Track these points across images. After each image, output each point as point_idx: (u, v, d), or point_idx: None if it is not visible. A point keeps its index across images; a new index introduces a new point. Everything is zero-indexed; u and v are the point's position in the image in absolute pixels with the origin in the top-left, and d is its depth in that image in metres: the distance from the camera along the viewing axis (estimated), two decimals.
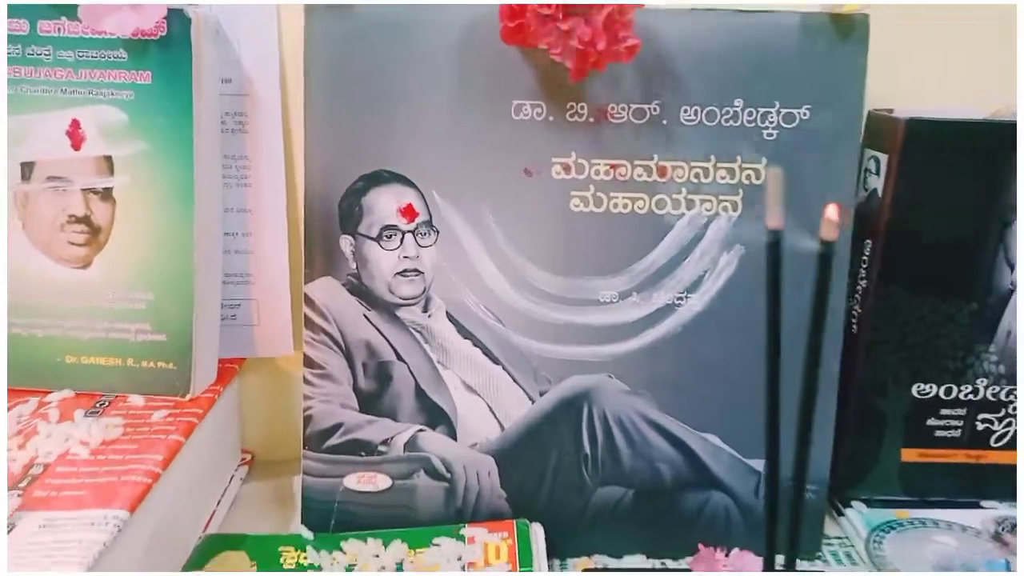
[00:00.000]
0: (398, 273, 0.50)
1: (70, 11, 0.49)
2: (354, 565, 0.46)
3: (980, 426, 0.55)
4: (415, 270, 0.50)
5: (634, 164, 0.49)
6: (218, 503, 0.55)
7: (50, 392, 0.51)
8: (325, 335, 0.50)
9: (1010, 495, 0.56)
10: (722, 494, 0.51)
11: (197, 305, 0.51)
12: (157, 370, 0.51)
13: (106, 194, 0.50)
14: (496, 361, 0.50)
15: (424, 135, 0.48)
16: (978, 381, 0.54)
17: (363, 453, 0.50)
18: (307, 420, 0.50)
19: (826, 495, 0.52)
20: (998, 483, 0.56)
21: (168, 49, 0.49)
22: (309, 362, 0.50)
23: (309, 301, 0.50)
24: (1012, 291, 0.52)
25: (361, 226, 0.49)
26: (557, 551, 0.50)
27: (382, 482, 0.51)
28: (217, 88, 0.52)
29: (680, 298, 0.50)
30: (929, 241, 0.52)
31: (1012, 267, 0.52)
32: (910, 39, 0.55)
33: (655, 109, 0.48)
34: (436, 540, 0.48)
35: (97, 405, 0.50)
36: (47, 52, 0.49)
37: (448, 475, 0.51)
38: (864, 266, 0.53)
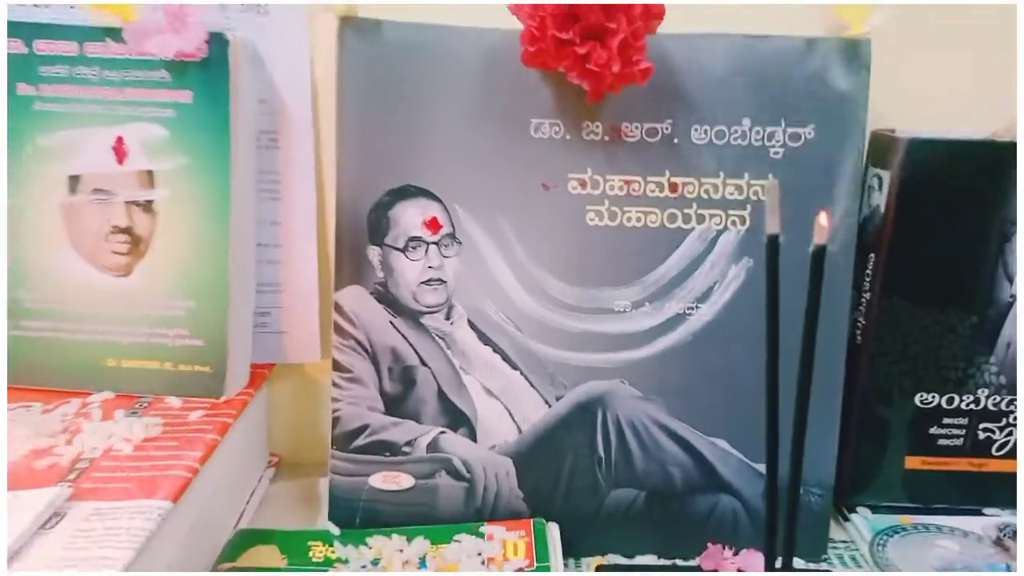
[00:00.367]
0: (422, 282, 0.52)
1: (116, 34, 0.52)
2: (379, 559, 0.49)
3: (982, 435, 0.57)
4: (439, 280, 0.52)
5: (647, 180, 0.51)
6: (247, 502, 0.57)
7: (91, 394, 0.54)
8: (353, 340, 0.52)
9: (1012, 503, 0.58)
10: (730, 497, 0.53)
11: (232, 312, 0.53)
12: (194, 373, 0.54)
13: (148, 206, 0.53)
14: (515, 367, 0.53)
15: (448, 152, 0.51)
16: (979, 391, 0.56)
17: (388, 453, 0.53)
18: (335, 421, 0.53)
19: (831, 500, 0.54)
20: (1000, 491, 0.58)
21: (208, 70, 0.52)
22: (338, 366, 0.53)
23: (339, 308, 0.53)
24: (1011, 304, 0.54)
25: (388, 237, 0.52)
26: (572, 550, 0.52)
27: (405, 481, 0.53)
28: (253, 107, 0.55)
29: (691, 308, 0.52)
30: (930, 255, 0.54)
31: (1011, 280, 0.54)
32: (915, 63, 0.58)
33: (667, 128, 0.51)
34: (457, 537, 0.51)
35: (136, 406, 0.53)
36: (94, 72, 0.53)
37: (468, 475, 0.53)
38: (868, 279, 0.55)
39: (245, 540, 0.51)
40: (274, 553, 0.50)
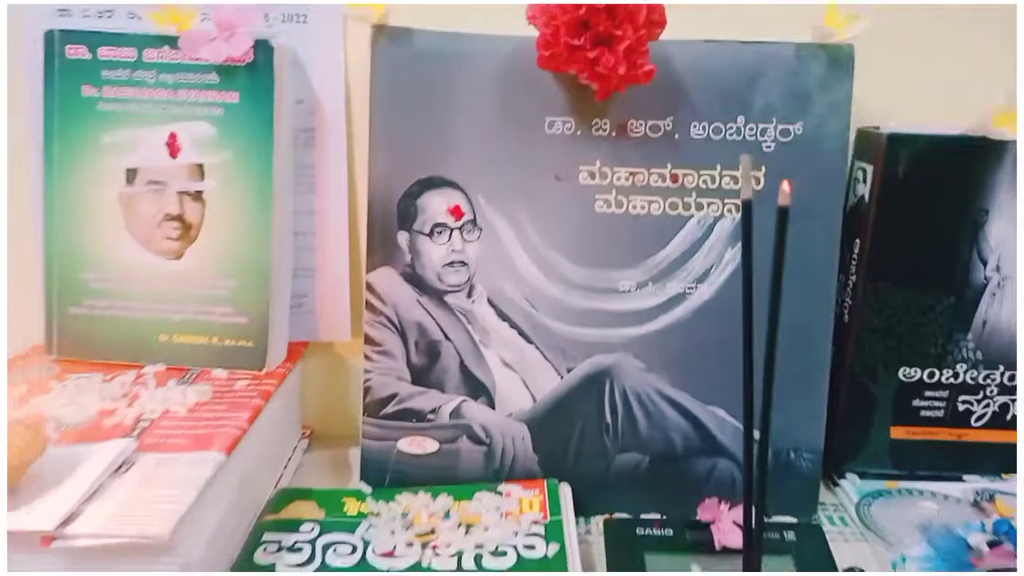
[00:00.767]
0: (446, 264, 0.58)
1: (171, 41, 0.58)
2: (407, 512, 0.54)
3: (961, 407, 0.62)
4: (461, 262, 0.58)
5: (650, 171, 0.57)
6: (284, 467, 0.63)
7: (144, 366, 0.59)
8: (384, 317, 0.58)
9: (990, 470, 0.63)
10: (727, 460, 0.58)
11: (273, 292, 0.59)
12: (238, 348, 0.59)
13: (197, 196, 0.59)
14: (530, 341, 0.58)
15: (470, 146, 0.57)
16: (958, 366, 0.61)
17: (414, 420, 0.58)
18: (367, 390, 0.58)
19: (820, 463, 0.58)
20: (979, 459, 0.62)
21: (254, 73, 0.58)
22: (369, 340, 0.58)
23: (370, 288, 0.58)
24: (985, 284, 0.59)
25: (416, 224, 0.57)
26: (582, 509, 0.57)
27: (430, 445, 0.58)
28: (292, 107, 0.61)
29: (690, 288, 0.57)
30: (911, 241, 0.59)
31: (984, 263, 0.59)
32: (898, 66, 0.62)
33: (668, 125, 0.56)
34: (477, 494, 0.56)
35: (187, 376, 0.58)
36: (151, 76, 0.59)
37: (487, 440, 0.58)
38: (854, 263, 0.60)
39: (286, 496, 0.56)
40: (312, 507, 0.55)
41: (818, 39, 0.56)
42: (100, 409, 0.52)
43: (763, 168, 0.56)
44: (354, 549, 0.50)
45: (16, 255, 0.64)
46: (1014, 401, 0.62)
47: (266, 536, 0.51)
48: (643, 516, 0.57)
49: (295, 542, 0.51)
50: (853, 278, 0.60)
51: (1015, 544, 0.51)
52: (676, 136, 0.56)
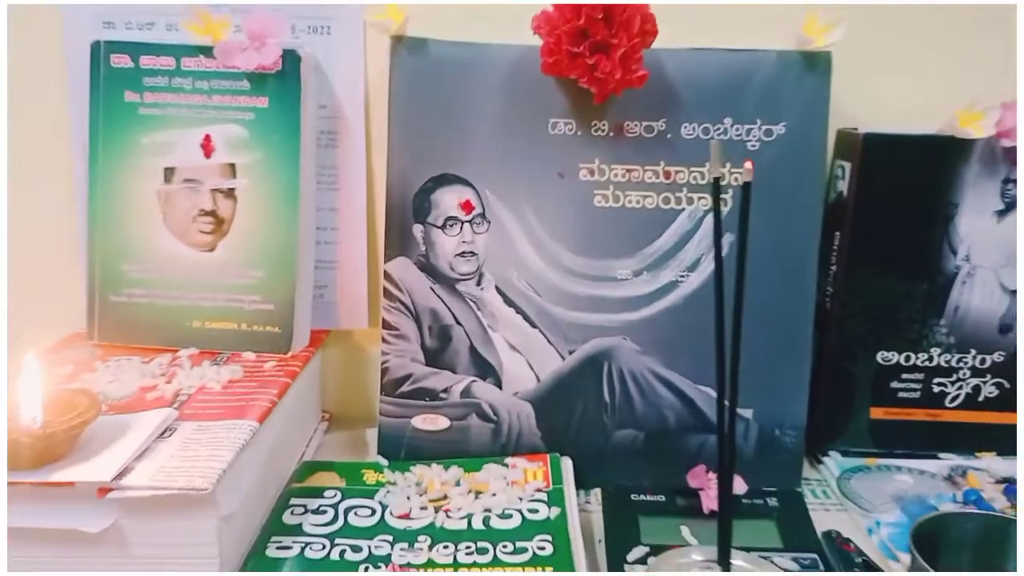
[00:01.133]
0: (458, 254, 0.63)
1: (207, 50, 0.63)
2: (421, 482, 0.59)
3: (936, 388, 0.66)
4: (471, 252, 0.63)
5: (645, 169, 0.62)
6: (307, 445, 0.67)
7: (179, 350, 0.64)
8: (400, 303, 0.63)
9: (963, 449, 0.67)
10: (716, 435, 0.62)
11: (298, 282, 0.64)
12: (265, 333, 0.64)
13: (229, 193, 0.64)
14: (534, 325, 0.63)
15: (480, 145, 0.62)
16: (932, 350, 0.65)
17: (427, 398, 0.63)
18: (384, 371, 0.63)
19: (803, 439, 0.63)
20: (953, 438, 0.67)
21: (282, 80, 0.63)
22: (387, 325, 0.63)
23: (388, 276, 0.63)
24: (956, 273, 0.64)
25: (430, 217, 0.63)
26: (582, 482, 0.62)
27: (442, 422, 0.63)
28: (316, 111, 0.66)
29: (682, 276, 0.62)
30: (887, 232, 0.63)
31: (955, 252, 0.63)
32: (876, 72, 0.67)
33: (662, 126, 0.61)
34: (486, 466, 0.60)
35: (219, 359, 0.63)
36: (188, 82, 0.64)
37: (495, 417, 0.63)
38: (835, 253, 0.65)
39: (310, 468, 0.61)
40: (334, 477, 0.60)
41: (798, 46, 0.61)
42: (141, 386, 0.57)
43: (748, 166, 0.61)
44: (373, 512, 0.55)
45: (61, 248, 0.70)
46: (985, 383, 0.66)
47: (293, 501, 0.56)
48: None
49: (319, 506, 0.55)
50: (834, 268, 0.65)
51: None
52: (669, 136, 0.61)
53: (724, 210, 0.62)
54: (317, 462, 0.62)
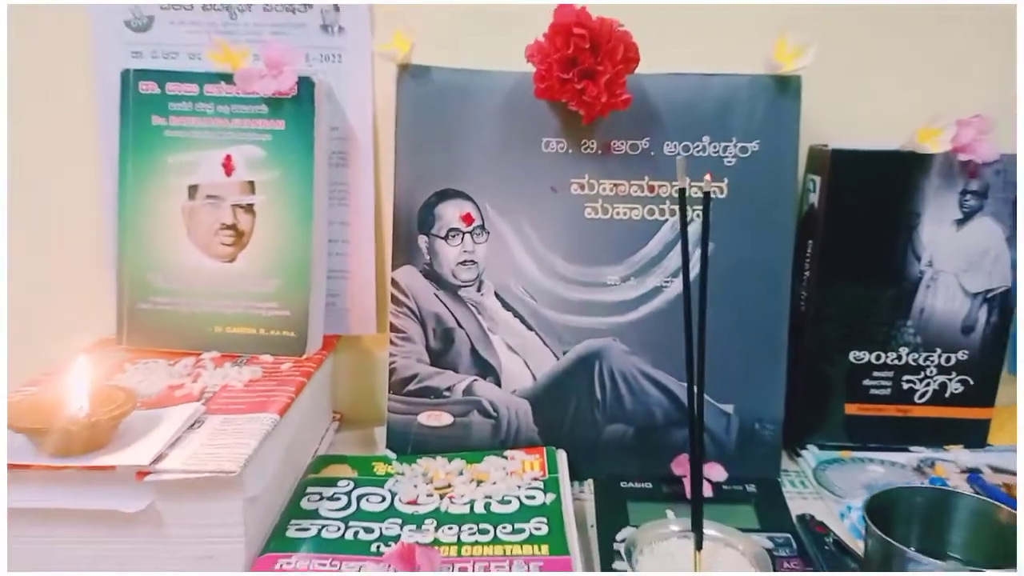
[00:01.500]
0: (459, 263, 0.68)
1: (228, 77, 0.69)
2: (427, 472, 0.63)
3: (905, 386, 0.71)
4: (472, 261, 0.68)
5: (631, 183, 0.67)
6: (320, 442, 0.72)
7: (201, 354, 0.69)
8: (406, 308, 0.68)
9: (934, 442, 0.72)
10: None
11: (312, 290, 0.69)
12: (281, 337, 0.69)
13: (249, 208, 0.70)
14: (530, 328, 0.68)
15: (479, 163, 0.67)
16: (901, 349, 0.70)
17: (432, 396, 0.68)
18: (392, 371, 0.68)
19: (780, 432, 0.68)
20: (923, 432, 0.72)
21: (297, 105, 0.68)
22: (394, 328, 0.68)
23: (395, 283, 0.68)
24: (921, 277, 0.69)
25: (433, 228, 0.68)
26: (576, 473, 0.66)
27: (446, 419, 0.68)
28: (329, 133, 0.72)
29: (666, 282, 0.67)
30: (856, 241, 0.69)
31: (919, 259, 0.69)
32: (846, 93, 0.73)
33: (645, 144, 0.67)
34: (486, 458, 0.65)
35: (239, 361, 0.68)
36: (210, 107, 0.69)
37: (495, 414, 0.68)
38: (808, 260, 0.70)
39: (324, 461, 0.66)
40: (347, 469, 0.64)
41: (770, 71, 0.66)
42: (169, 384, 0.63)
43: (725, 180, 0.67)
44: (383, 499, 0.60)
45: (91, 259, 0.75)
46: (951, 380, 0.71)
47: (309, 489, 0.61)
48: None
49: (334, 493, 0.60)
50: (808, 274, 0.70)
51: None
52: (652, 153, 0.67)
53: (698, 222, 0.67)
54: (331, 456, 0.67)
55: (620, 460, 0.68)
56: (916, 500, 0.47)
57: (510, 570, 0.51)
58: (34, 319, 0.76)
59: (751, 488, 0.62)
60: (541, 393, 0.68)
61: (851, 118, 0.74)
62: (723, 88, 0.66)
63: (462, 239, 0.68)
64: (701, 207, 0.48)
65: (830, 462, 0.69)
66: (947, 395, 0.71)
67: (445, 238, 0.68)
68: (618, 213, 0.67)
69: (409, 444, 0.68)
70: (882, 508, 0.44)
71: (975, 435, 0.72)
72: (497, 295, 0.68)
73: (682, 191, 0.43)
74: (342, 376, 0.79)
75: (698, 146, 0.66)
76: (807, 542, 0.57)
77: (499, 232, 0.68)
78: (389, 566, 0.50)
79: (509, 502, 0.59)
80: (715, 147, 0.66)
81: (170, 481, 0.50)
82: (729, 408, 0.67)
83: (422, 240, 0.68)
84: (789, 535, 0.57)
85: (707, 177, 0.46)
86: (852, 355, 0.71)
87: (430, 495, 0.60)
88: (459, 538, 0.55)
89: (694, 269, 0.52)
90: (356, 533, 0.55)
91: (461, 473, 0.63)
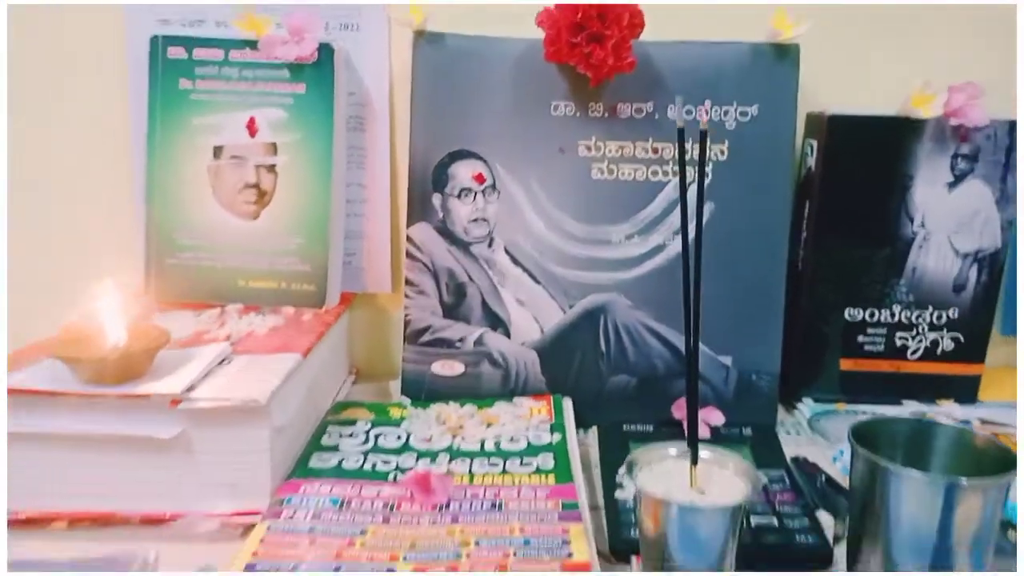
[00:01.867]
0: (471, 220, 0.71)
1: (252, 44, 0.72)
2: (440, 415, 0.67)
3: (898, 342, 0.74)
4: (483, 219, 0.71)
5: (635, 145, 0.70)
6: (338, 392, 0.76)
7: (225, 306, 0.73)
8: (421, 263, 0.71)
9: (926, 397, 0.74)
10: (702, 382, 0.70)
11: (331, 246, 0.72)
12: (302, 290, 0.73)
13: (271, 168, 0.73)
14: (538, 282, 0.71)
15: (491, 125, 0.70)
16: (894, 307, 0.73)
17: (445, 347, 0.72)
18: (407, 323, 0.72)
19: (777, 383, 0.71)
20: (915, 387, 0.75)
21: (318, 70, 0.72)
22: (409, 283, 0.72)
23: (410, 240, 0.72)
24: (913, 238, 0.72)
25: (447, 188, 0.71)
26: (581, 422, 0.69)
27: (458, 368, 0.72)
28: (347, 98, 0.75)
29: (668, 239, 0.71)
30: (851, 202, 0.72)
31: (911, 220, 0.72)
32: (843, 59, 0.76)
33: (650, 107, 0.70)
34: (496, 404, 0.69)
35: (262, 311, 0.72)
36: (235, 72, 0.73)
37: (504, 364, 0.71)
38: (805, 221, 0.73)
39: (343, 405, 0.69)
40: (364, 412, 0.68)
41: (770, 38, 0.69)
42: (196, 330, 0.66)
43: (725, 142, 0.70)
44: (399, 437, 0.63)
45: (121, 217, 0.79)
46: (943, 337, 0.74)
47: (330, 428, 0.64)
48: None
49: (352, 432, 0.64)
50: (805, 235, 0.73)
51: None
52: (656, 117, 0.70)
53: (706, 181, 0.70)
54: (349, 402, 0.71)
55: (623, 409, 0.71)
56: (899, 429, 0.50)
57: (518, 497, 0.54)
58: (66, 273, 0.79)
59: (747, 431, 0.66)
60: (548, 345, 0.71)
61: (848, 85, 0.77)
62: (724, 55, 0.70)
63: (474, 198, 0.71)
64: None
65: (825, 413, 0.72)
66: (939, 352, 0.74)
67: (458, 196, 0.71)
68: (623, 174, 0.70)
69: (423, 391, 0.71)
70: (867, 435, 0.47)
71: (966, 390, 0.75)
72: (507, 251, 0.71)
73: (680, 131, 0.46)
74: (358, 332, 0.82)
75: (700, 110, 0.69)
76: (799, 479, 0.60)
77: (509, 191, 0.71)
78: (407, 490, 0.54)
79: (517, 440, 0.62)
80: (716, 111, 0.70)
81: (201, 409, 0.53)
82: (728, 360, 0.71)
83: (436, 198, 0.71)
84: (783, 472, 0.60)
85: (703, 116, 0.49)
86: (847, 312, 0.74)
87: (443, 434, 0.64)
88: (471, 469, 0.58)
89: (692, 221, 0.55)
90: (375, 464, 0.59)
91: (472, 416, 0.67)
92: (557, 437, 0.63)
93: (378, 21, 0.76)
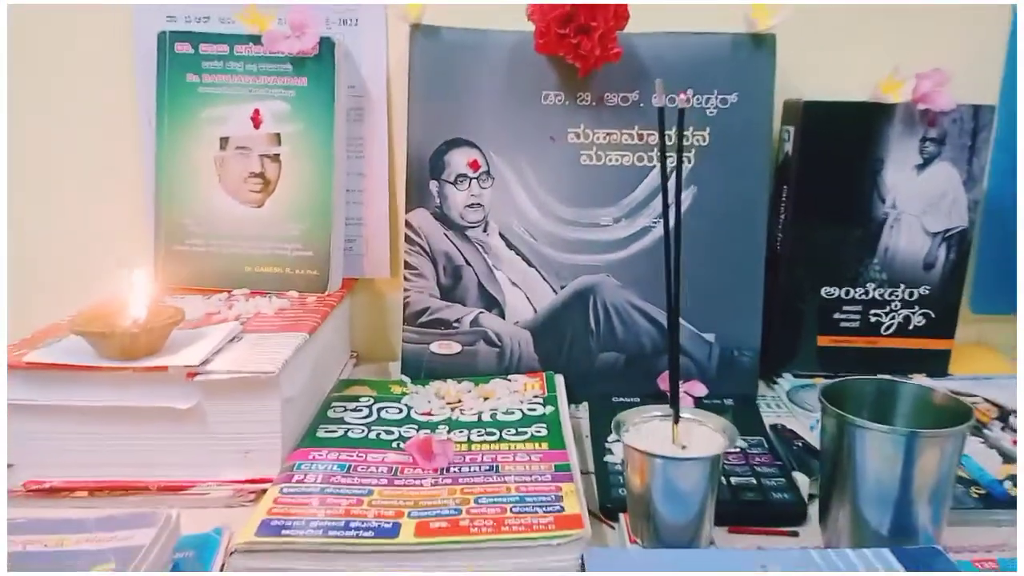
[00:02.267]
0: (467, 206, 0.75)
1: (255, 38, 0.75)
2: (439, 391, 0.70)
3: (872, 319, 0.78)
4: (478, 204, 0.75)
5: (622, 132, 0.74)
6: (340, 373, 0.79)
7: (232, 291, 0.76)
8: (419, 247, 0.75)
9: (900, 370, 0.78)
10: (686, 358, 0.74)
11: (333, 232, 0.76)
12: (305, 275, 0.76)
13: (275, 158, 0.77)
14: (531, 265, 0.75)
15: (485, 114, 0.74)
16: (868, 285, 0.77)
17: (442, 327, 0.75)
18: (406, 305, 0.75)
19: (757, 359, 0.75)
20: (889, 361, 0.78)
21: (319, 63, 0.75)
22: (408, 266, 0.75)
23: (408, 225, 0.75)
24: (885, 219, 0.76)
25: (443, 174, 0.75)
26: (572, 397, 0.73)
27: (455, 347, 0.75)
28: (347, 91, 0.78)
29: (654, 222, 0.74)
30: (826, 186, 0.76)
31: (883, 201, 0.76)
32: (818, 49, 0.80)
33: (635, 96, 0.74)
34: (492, 380, 0.72)
35: (268, 296, 0.75)
36: (240, 65, 0.76)
37: (499, 343, 0.75)
38: (783, 204, 0.77)
39: (346, 383, 0.73)
40: (366, 389, 0.72)
41: (747, 29, 0.73)
42: (207, 311, 0.70)
43: (707, 128, 0.74)
44: (401, 410, 0.67)
45: (132, 207, 0.82)
46: (914, 313, 0.78)
47: (334, 404, 0.68)
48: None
49: (356, 406, 0.67)
50: (783, 217, 0.77)
51: None
52: (641, 105, 0.74)
53: (688, 167, 0.74)
54: (352, 380, 0.74)
55: (612, 384, 0.74)
56: (866, 389, 0.53)
57: (514, 461, 0.58)
58: (79, 260, 0.83)
59: (729, 402, 0.70)
60: (541, 324, 0.75)
61: (823, 73, 0.80)
62: (705, 45, 0.73)
63: (469, 184, 0.75)
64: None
65: (803, 387, 0.76)
66: (910, 327, 0.78)
67: (454, 183, 0.75)
68: (610, 160, 0.74)
69: (422, 370, 0.75)
70: (836, 395, 0.51)
71: (936, 364, 0.79)
72: (501, 235, 0.75)
73: (661, 110, 0.50)
74: (358, 316, 0.86)
75: (682, 98, 0.73)
76: (778, 444, 0.64)
77: (503, 177, 0.75)
78: (409, 456, 0.57)
79: (512, 413, 0.66)
80: (698, 99, 0.73)
81: (216, 381, 0.57)
82: (711, 337, 0.74)
83: (433, 185, 0.75)
84: (762, 438, 0.64)
85: (683, 96, 0.53)
86: (823, 291, 0.78)
87: (442, 408, 0.67)
88: (469, 438, 0.62)
89: (673, 201, 0.59)
90: (378, 434, 0.62)
91: (470, 391, 0.70)
92: (550, 409, 0.66)
93: (376, 16, 0.79)
